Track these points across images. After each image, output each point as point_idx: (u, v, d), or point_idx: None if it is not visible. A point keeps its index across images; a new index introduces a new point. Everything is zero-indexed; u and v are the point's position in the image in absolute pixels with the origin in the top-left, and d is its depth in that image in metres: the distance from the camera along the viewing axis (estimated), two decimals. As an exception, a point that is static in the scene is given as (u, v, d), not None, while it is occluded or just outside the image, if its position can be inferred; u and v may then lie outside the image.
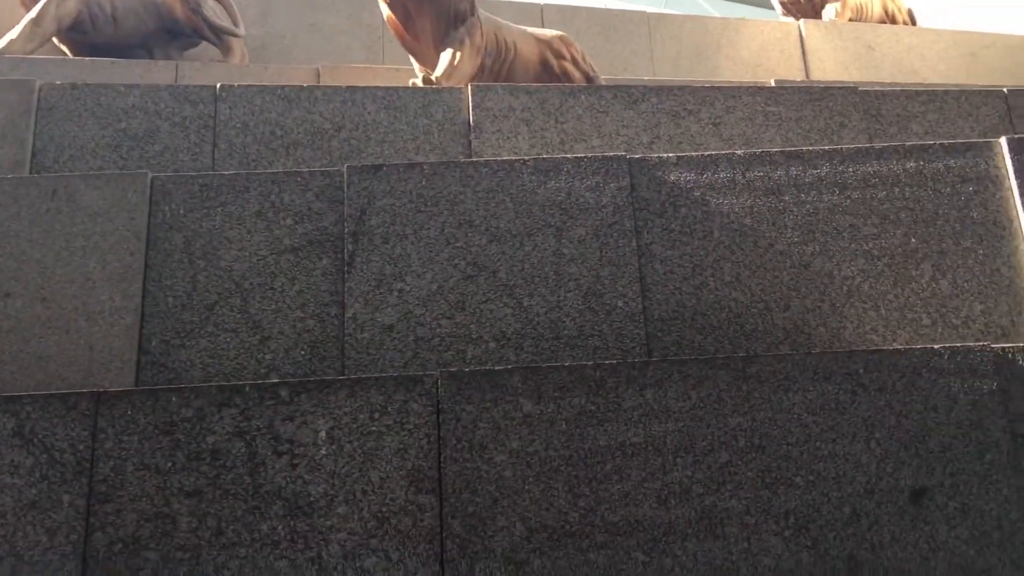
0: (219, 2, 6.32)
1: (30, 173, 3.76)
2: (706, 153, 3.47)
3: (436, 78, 4.64)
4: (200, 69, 5.22)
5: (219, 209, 3.38)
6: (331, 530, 2.73)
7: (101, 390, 2.90)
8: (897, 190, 3.34)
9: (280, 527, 2.73)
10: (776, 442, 2.78)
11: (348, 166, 3.46)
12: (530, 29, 5.11)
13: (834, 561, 2.67)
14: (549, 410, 2.85)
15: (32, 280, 3.23)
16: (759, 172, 3.40)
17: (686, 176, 3.41)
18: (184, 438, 2.81)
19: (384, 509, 2.75)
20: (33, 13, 5.68)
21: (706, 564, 2.68)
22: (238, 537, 2.72)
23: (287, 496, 2.76)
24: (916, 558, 2.66)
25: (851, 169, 3.38)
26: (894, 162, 3.39)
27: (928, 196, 3.34)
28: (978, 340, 2.99)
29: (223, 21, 6.22)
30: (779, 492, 2.74)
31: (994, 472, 2.73)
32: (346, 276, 3.26)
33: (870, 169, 3.38)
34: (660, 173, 3.42)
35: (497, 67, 4.75)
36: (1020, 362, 2.83)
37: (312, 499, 2.76)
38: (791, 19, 7.92)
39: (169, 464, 2.79)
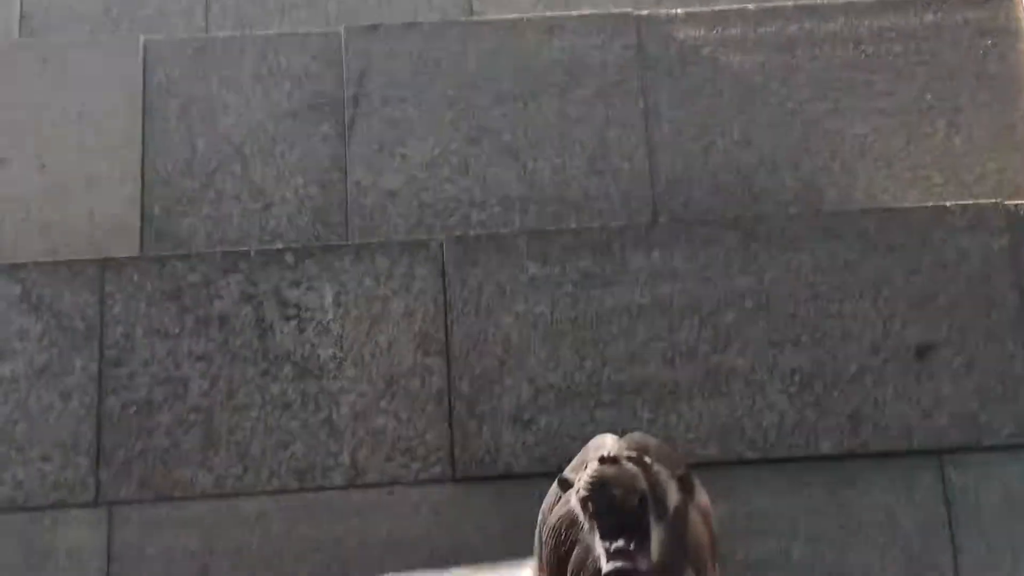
0: None
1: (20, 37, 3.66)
2: (716, 8, 3.35)
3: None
4: (190, -70, 5.01)
5: (215, 74, 3.29)
6: (341, 392, 2.76)
7: (107, 257, 2.89)
8: (913, 44, 3.23)
9: (290, 390, 2.76)
10: (783, 302, 2.78)
11: (345, 27, 3.36)
12: None
13: (838, 417, 2.70)
14: (555, 273, 2.83)
15: (29, 147, 3.18)
16: (771, 27, 3.28)
17: (695, 33, 3.29)
18: (191, 303, 2.81)
19: (392, 371, 2.78)
20: None
21: (711, 421, 2.72)
22: (249, 399, 2.75)
23: (296, 360, 2.78)
24: (918, 413, 2.69)
25: (867, 23, 3.26)
26: (911, 15, 3.26)
27: (945, 50, 3.23)
28: (990, 198, 2.95)
29: None
30: (785, 351, 2.75)
31: (1000, 328, 2.73)
32: (347, 141, 3.20)
33: (886, 22, 3.26)
34: (668, 30, 3.30)
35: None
36: (1032, 219, 2.79)
37: (321, 362, 2.78)
38: None
39: (178, 329, 2.80)
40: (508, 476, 2.70)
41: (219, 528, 2.66)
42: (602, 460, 1.96)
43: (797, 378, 2.73)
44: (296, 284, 2.82)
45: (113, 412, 2.73)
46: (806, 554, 2.61)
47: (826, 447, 2.69)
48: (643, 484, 1.94)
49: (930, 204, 2.88)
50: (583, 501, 1.98)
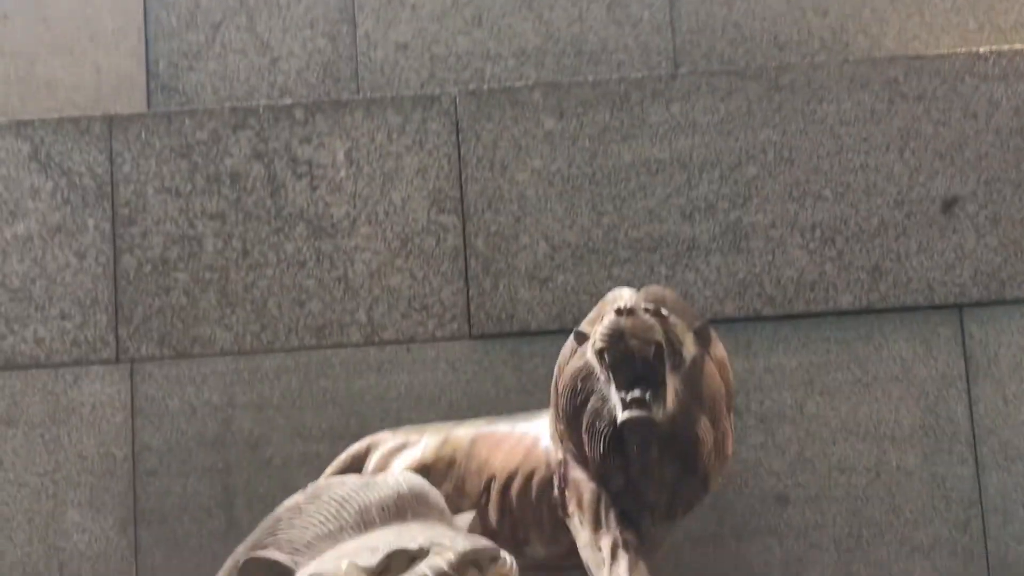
0: None
1: None
2: None
3: None
4: None
5: (216, -80, 3.14)
6: (355, 250, 2.75)
7: (113, 113, 2.83)
8: None
9: (305, 248, 2.75)
10: (806, 155, 2.71)
11: None
12: None
13: (858, 272, 2.67)
14: (572, 127, 2.76)
15: (29, 1, 3.08)
16: None
17: None
18: (202, 161, 2.77)
19: (407, 229, 2.76)
20: None
21: (729, 277, 2.70)
22: (264, 258, 2.75)
23: (309, 218, 2.76)
24: (941, 266, 2.65)
25: None
26: None
27: None
28: (1026, 45, 2.82)
29: None
30: (806, 205, 2.70)
31: (1030, 180, 2.66)
32: (355, -9, 3.07)
33: None
34: None
35: None
36: (1070, 66, 2.68)
37: (335, 220, 2.76)
38: None
39: (189, 187, 2.77)
40: (524, 333, 2.71)
41: (239, 384, 2.70)
42: (619, 311, 1.95)
43: (818, 233, 2.69)
44: (307, 140, 2.77)
45: (129, 270, 2.74)
46: (821, 407, 2.63)
47: (845, 302, 2.67)
48: (659, 335, 1.93)
49: (962, 51, 2.76)
50: (599, 352, 1.98)
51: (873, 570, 2.57)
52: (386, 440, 2.34)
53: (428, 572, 1.15)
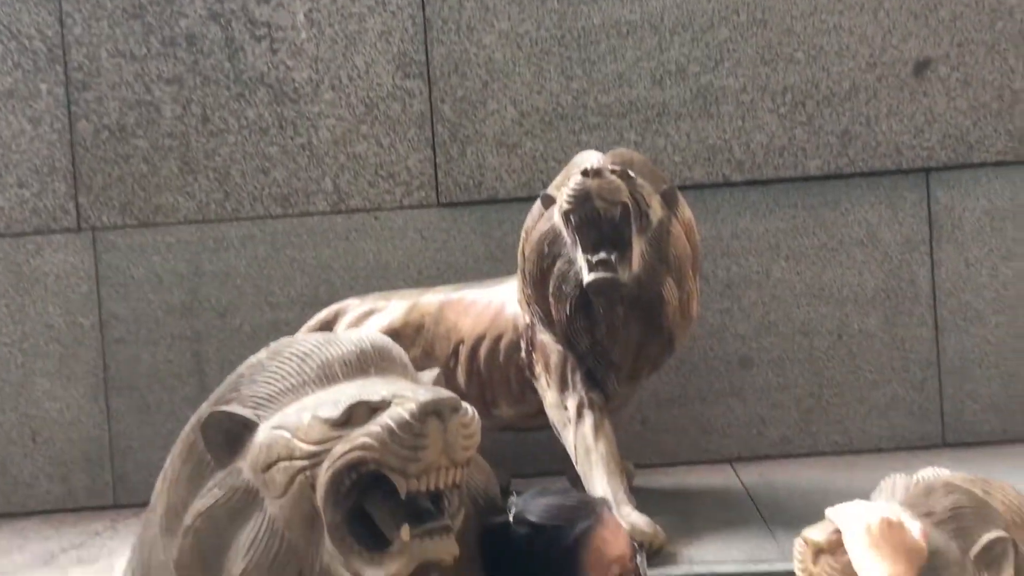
0: None
1: None
2: None
3: None
4: None
5: None
6: (319, 116, 2.68)
7: (59, -28, 2.71)
8: None
9: (267, 114, 2.68)
10: (780, 16, 2.64)
11: None
12: None
13: (827, 136, 2.65)
14: (541, -13, 2.67)
15: None
16: None
17: None
18: (156, 22, 2.66)
19: (372, 95, 2.69)
20: None
21: (699, 143, 2.67)
22: (225, 124, 2.68)
23: (271, 82, 2.67)
24: (910, 130, 2.64)
25: None
26: None
27: None
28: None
29: None
30: (778, 68, 2.65)
31: (1003, 41, 2.62)
32: None
33: None
34: None
35: None
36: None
37: (297, 85, 2.68)
38: None
39: (144, 50, 2.67)
40: (492, 201, 2.69)
41: (205, 252, 2.68)
42: (585, 173, 1.93)
43: (789, 97, 2.65)
44: (265, 1, 2.66)
45: (86, 137, 2.66)
46: (786, 271, 2.65)
47: (814, 167, 2.66)
48: (625, 196, 1.92)
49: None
50: (565, 215, 1.97)
51: (831, 428, 2.65)
52: (354, 307, 2.34)
53: (389, 422, 1.16)
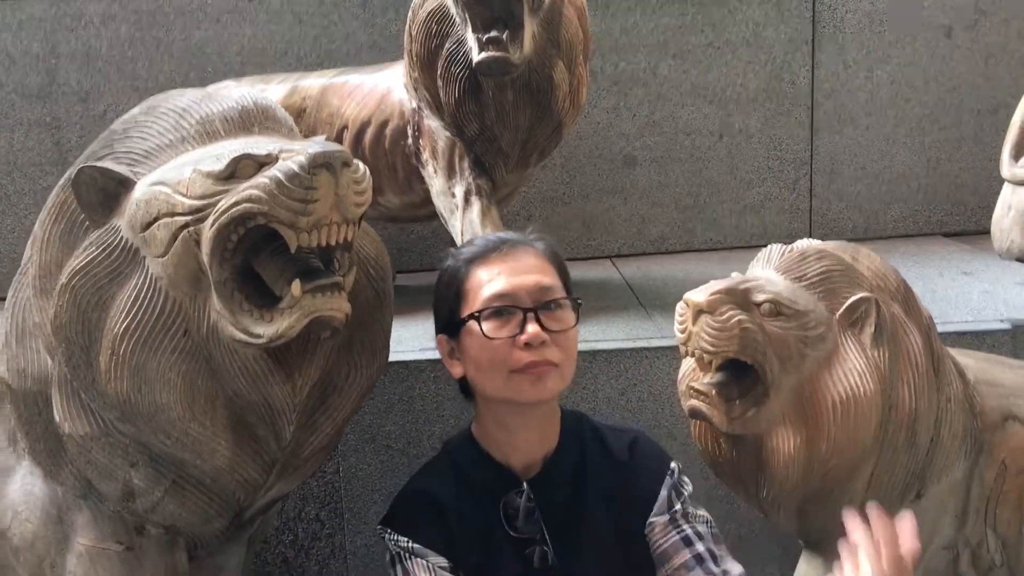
0: None
1: None
2: None
3: None
4: None
5: None
6: None
7: None
8: None
9: None
10: None
11: None
12: None
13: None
14: None
15: None
16: None
17: None
18: None
19: None
20: None
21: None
22: None
23: None
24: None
25: None
26: None
27: None
28: None
29: None
30: None
31: None
32: None
33: None
34: None
35: None
36: None
37: None
38: None
39: None
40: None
41: (62, 31, 2.47)
42: (477, -55, 1.82)
43: None
44: None
45: None
46: (673, 69, 2.65)
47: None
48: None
49: None
50: (455, -8, 1.87)
51: (708, 226, 2.73)
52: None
53: (278, 174, 1.11)
